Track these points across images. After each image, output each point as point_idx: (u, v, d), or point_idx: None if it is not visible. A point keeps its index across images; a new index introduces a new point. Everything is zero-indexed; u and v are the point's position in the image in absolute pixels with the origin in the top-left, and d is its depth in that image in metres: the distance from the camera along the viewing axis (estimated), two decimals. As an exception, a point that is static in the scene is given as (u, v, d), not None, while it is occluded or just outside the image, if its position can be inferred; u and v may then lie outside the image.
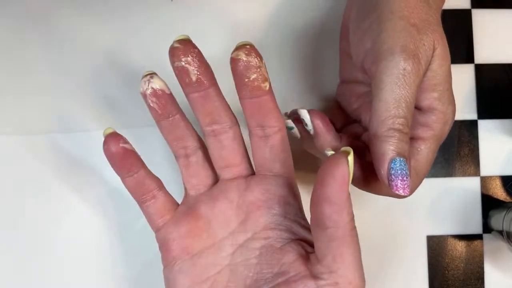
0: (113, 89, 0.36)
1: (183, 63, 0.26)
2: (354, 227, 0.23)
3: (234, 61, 0.25)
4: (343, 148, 0.22)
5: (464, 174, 0.36)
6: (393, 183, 0.26)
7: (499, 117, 0.36)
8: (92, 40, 0.35)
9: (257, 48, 0.26)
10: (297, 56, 0.36)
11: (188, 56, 0.26)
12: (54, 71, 0.35)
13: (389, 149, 0.26)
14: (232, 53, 0.25)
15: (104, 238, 0.35)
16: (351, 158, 0.22)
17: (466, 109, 0.36)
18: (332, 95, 0.35)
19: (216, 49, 0.36)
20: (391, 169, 0.26)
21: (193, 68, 0.26)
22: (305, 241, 0.27)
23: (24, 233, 0.35)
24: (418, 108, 0.28)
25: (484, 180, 0.36)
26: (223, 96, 0.27)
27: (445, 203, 0.36)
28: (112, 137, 0.27)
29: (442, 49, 0.27)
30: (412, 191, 0.28)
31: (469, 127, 0.36)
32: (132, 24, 0.35)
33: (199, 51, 0.26)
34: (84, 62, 0.35)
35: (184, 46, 0.26)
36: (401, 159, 0.26)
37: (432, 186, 0.36)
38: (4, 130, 0.35)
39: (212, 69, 0.27)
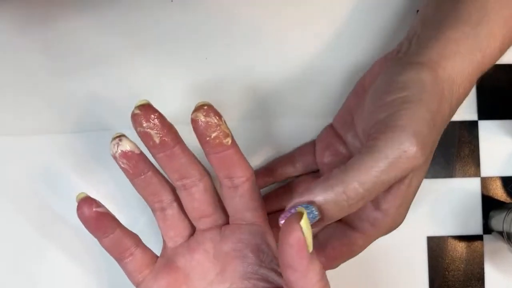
0: (113, 89, 0.36)
1: (145, 129, 0.27)
2: (326, 285, 0.23)
3: (194, 122, 0.26)
4: (299, 209, 0.22)
5: (465, 175, 0.36)
6: (287, 213, 0.25)
7: (499, 118, 0.36)
8: (92, 40, 0.35)
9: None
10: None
11: (149, 122, 0.27)
12: (54, 71, 0.35)
13: (317, 197, 0.24)
14: (191, 114, 0.26)
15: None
16: (304, 221, 0.21)
17: (466, 110, 0.36)
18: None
19: (216, 49, 0.36)
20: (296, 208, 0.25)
21: (155, 131, 0.27)
22: None
23: (24, 233, 0.35)
24: (375, 203, 0.28)
25: (485, 181, 0.36)
26: (189, 151, 0.28)
27: (446, 204, 0.36)
28: (85, 202, 0.27)
29: (427, 165, 0.27)
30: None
31: (470, 128, 0.36)
32: (133, 24, 0.35)
33: (159, 114, 0.27)
34: (84, 62, 0.35)
35: (144, 112, 0.27)
36: (316, 214, 0.24)
37: (432, 187, 0.36)
38: (3, 130, 0.35)
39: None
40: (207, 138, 0.26)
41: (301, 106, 0.36)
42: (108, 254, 0.29)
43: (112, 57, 0.35)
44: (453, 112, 0.27)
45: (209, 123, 0.26)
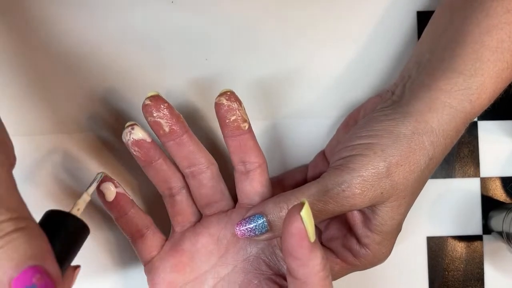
0: (113, 89, 0.36)
1: (156, 118, 0.29)
2: (327, 276, 0.23)
3: (217, 106, 0.29)
4: (301, 200, 0.23)
5: (464, 175, 0.36)
6: (242, 226, 0.28)
7: (499, 118, 0.36)
8: (92, 41, 0.35)
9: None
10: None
11: (159, 111, 0.29)
12: (53, 71, 0.35)
13: (267, 210, 0.28)
14: (215, 99, 0.29)
15: (107, 240, 0.35)
16: (305, 211, 0.22)
17: (466, 110, 0.36)
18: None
19: (216, 50, 0.36)
20: (250, 218, 0.28)
21: (165, 121, 0.29)
22: (282, 276, 0.29)
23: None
24: (357, 238, 0.29)
25: (484, 181, 0.36)
26: (196, 140, 0.30)
27: (445, 204, 0.36)
28: (105, 181, 0.30)
29: (399, 206, 0.28)
30: None
31: (469, 128, 0.36)
32: (133, 25, 0.35)
33: (168, 104, 0.29)
34: (84, 62, 0.35)
35: (155, 103, 0.29)
36: (266, 225, 0.28)
37: (432, 187, 0.36)
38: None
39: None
40: (227, 121, 0.29)
41: (301, 107, 0.36)
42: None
43: (112, 57, 0.35)
44: (436, 160, 0.28)
45: (230, 106, 0.29)
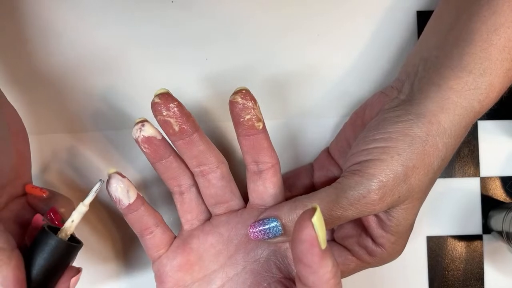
0: (113, 89, 0.36)
1: (165, 117, 0.28)
2: (337, 283, 0.23)
3: (231, 104, 0.28)
4: (313, 205, 0.22)
5: (464, 174, 0.36)
6: (256, 228, 0.28)
7: (498, 118, 0.37)
8: (93, 41, 0.35)
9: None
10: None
11: (169, 110, 0.28)
12: (53, 71, 0.35)
13: (282, 215, 0.28)
14: (230, 97, 0.28)
15: (111, 242, 0.35)
16: (317, 217, 0.21)
17: (466, 110, 0.36)
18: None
19: (216, 50, 0.36)
20: (264, 220, 0.28)
21: (175, 119, 0.28)
22: (292, 280, 0.29)
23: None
24: (372, 238, 0.29)
25: (484, 181, 0.36)
26: (207, 139, 0.30)
27: (445, 204, 0.36)
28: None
29: (413, 207, 0.28)
30: None
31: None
32: (133, 25, 0.35)
33: (178, 102, 0.28)
34: (85, 62, 0.35)
35: (164, 101, 0.28)
36: (280, 229, 0.27)
37: (432, 187, 0.36)
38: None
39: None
40: (241, 120, 0.28)
41: (303, 107, 0.36)
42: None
43: (112, 57, 0.35)
44: (446, 160, 0.28)
45: (245, 105, 0.28)
